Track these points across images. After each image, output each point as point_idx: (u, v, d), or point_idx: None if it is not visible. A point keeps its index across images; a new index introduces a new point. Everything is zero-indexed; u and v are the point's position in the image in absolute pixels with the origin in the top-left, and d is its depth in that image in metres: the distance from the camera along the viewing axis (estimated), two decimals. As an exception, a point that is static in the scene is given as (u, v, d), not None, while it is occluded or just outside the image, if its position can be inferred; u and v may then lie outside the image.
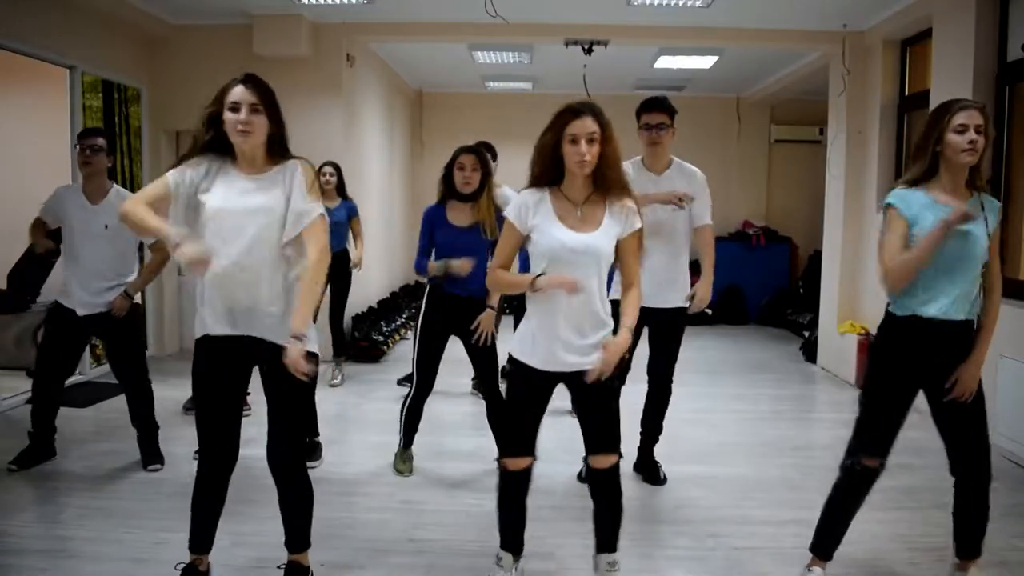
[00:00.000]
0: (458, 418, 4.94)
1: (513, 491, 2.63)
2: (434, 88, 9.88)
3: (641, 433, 3.83)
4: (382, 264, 8.26)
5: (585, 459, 2.62)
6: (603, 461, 2.54)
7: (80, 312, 3.61)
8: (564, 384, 2.53)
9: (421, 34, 6.55)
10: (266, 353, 2.39)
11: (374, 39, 6.92)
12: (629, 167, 3.50)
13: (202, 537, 2.59)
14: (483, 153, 3.68)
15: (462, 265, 3.53)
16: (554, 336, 2.44)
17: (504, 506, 2.67)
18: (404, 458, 3.93)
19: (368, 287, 7.46)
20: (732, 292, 9.06)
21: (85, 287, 3.61)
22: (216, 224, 2.34)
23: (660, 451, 3.93)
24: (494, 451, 3.61)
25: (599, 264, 2.43)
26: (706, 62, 7.82)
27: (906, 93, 5.97)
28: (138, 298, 3.81)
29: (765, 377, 6.26)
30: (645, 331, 3.60)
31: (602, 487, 2.58)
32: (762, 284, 9.18)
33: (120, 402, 4.61)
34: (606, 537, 2.62)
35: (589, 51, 6.59)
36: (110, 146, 3.71)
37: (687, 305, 3.61)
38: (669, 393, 3.77)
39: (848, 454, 2.57)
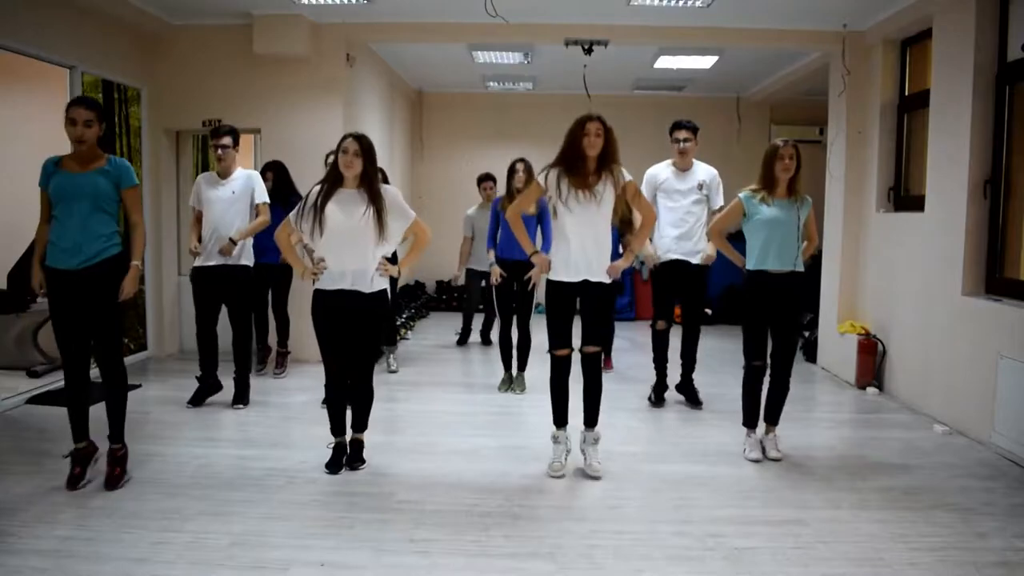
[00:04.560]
0: (457, 419, 4.93)
1: (560, 374, 3.85)
2: (434, 88, 9.87)
3: (681, 364, 5.13)
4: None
5: (580, 348, 3.81)
6: (590, 349, 3.82)
7: (212, 263, 4.71)
8: (579, 295, 3.76)
9: (421, 34, 6.54)
10: (357, 302, 3.69)
11: (374, 39, 6.91)
12: (662, 165, 5.09)
13: (339, 424, 3.89)
14: (528, 163, 5.24)
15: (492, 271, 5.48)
16: (577, 257, 3.73)
17: (555, 387, 3.88)
18: (506, 380, 5.57)
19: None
20: (732, 292, 9.06)
21: (215, 242, 4.70)
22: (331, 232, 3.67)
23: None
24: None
25: (600, 213, 3.72)
26: (706, 62, 7.81)
27: (906, 93, 5.97)
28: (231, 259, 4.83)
29: (765, 377, 6.23)
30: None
31: (589, 367, 3.82)
32: (762, 284, 9.14)
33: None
34: (590, 413, 3.85)
35: (589, 51, 6.58)
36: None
37: (707, 265, 5.00)
38: (699, 332, 5.13)
39: (745, 361, 4.17)
